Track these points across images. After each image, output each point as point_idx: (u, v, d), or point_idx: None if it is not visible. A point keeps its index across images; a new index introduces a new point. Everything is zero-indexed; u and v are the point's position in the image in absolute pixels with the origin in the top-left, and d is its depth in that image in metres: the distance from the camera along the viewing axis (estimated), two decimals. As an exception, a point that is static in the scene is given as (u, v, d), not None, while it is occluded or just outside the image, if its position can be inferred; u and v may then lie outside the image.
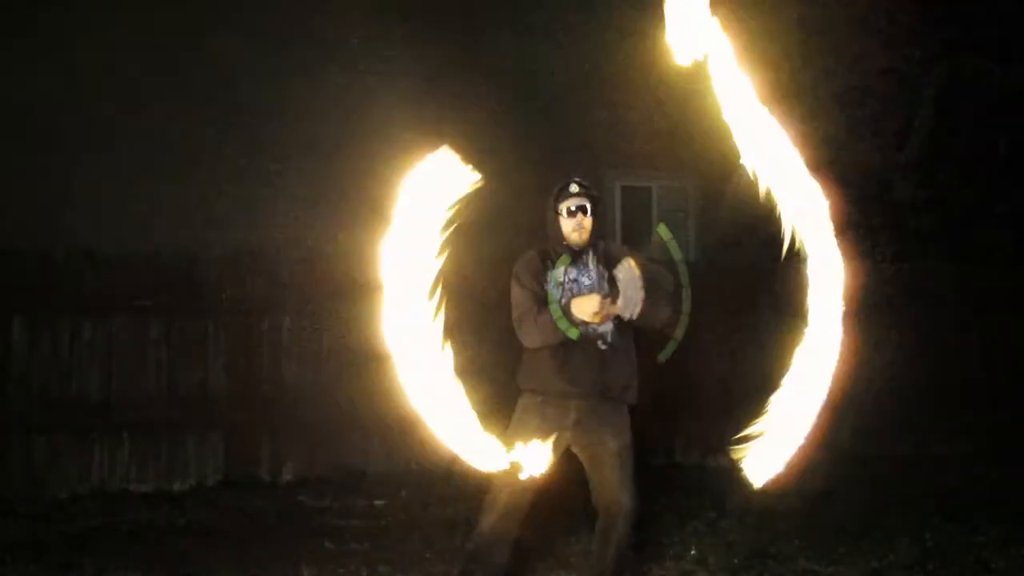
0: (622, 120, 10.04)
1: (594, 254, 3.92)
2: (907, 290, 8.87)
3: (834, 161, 11.02)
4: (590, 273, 3.88)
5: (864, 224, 10.86)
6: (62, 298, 6.84)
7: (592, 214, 3.91)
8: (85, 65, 8.52)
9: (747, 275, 8.57)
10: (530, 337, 3.83)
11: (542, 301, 3.81)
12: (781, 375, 8.45)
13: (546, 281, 3.84)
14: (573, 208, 3.89)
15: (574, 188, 3.92)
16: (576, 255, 3.90)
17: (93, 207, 8.36)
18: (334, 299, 7.37)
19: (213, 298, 7.15)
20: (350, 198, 9.00)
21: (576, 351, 3.81)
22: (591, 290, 3.82)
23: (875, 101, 10.85)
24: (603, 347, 3.82)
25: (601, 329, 3.83)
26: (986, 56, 10.22)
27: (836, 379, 3.53)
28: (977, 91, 10.63)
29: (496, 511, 3.81)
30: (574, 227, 3.88)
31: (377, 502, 6.65)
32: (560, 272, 3.85)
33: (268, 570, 5.08)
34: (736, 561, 5.20)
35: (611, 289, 3.79)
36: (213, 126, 8.72)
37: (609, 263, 3.87)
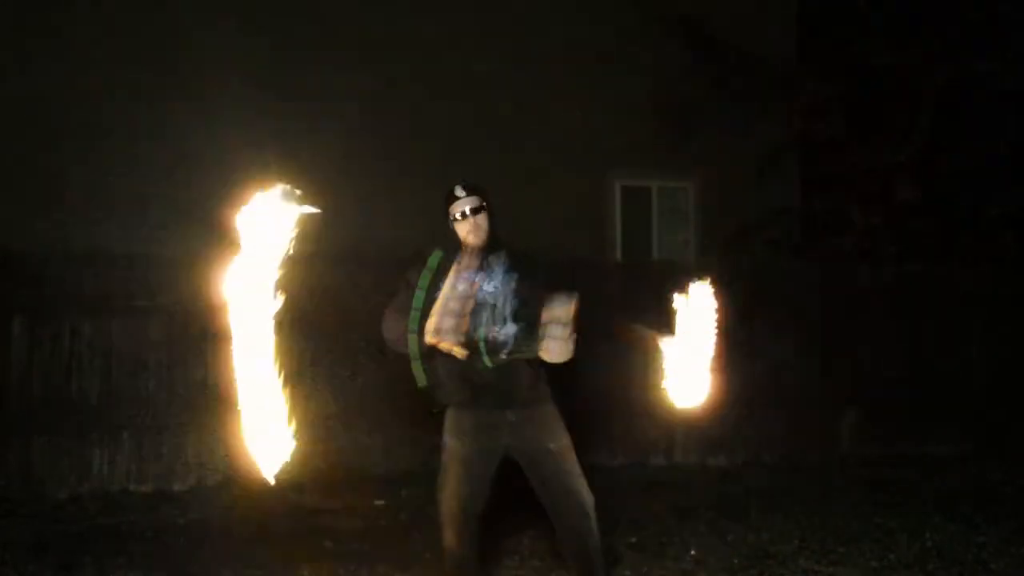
0: (622, 120, 10.04)
1: (494, 258, 3.70)
2: (906, 290, 8.88)
3: (834, 161, 11.08)
4: (488, 279, 3.65)
5: (864, 224, 10.90)
6: (62, 298, 6.83)
7: (486, 214, 3.76)
8: (85, 65, 8.53)
9: (749, 276, 8.57)
10: (386, 333, 3.69)
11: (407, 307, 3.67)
12: (780, 375, 8.46)
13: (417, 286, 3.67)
14: (466, 211, 3.75)
15: (460, 192, 3.79)
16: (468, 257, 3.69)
17: (93, 207, 8.37)
18: (334, 298, 7.38)
19: (212, 298, 7.13)
20: (349, 198, 9.01)
21: (468, 365, 3.62)
22: (493, 298, 3.60)
23: (875, 101, 10.87)
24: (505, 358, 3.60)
25: (501, 336, 3.59)
26: (986, 56, 10.23)
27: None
28: (977, 91, 10.63)
29: (454, 519, 3.75)
30: (469, 229, 3.74)
31: (377, 502, 6.65)
32: (427, 280, 3.67)
33: (268, 570, 5.08)
34: (736, 561, 5.20)
35: (512, 299, 3.59)
36: (214, 126, 8.71)
37: (515, 268, 3.69)
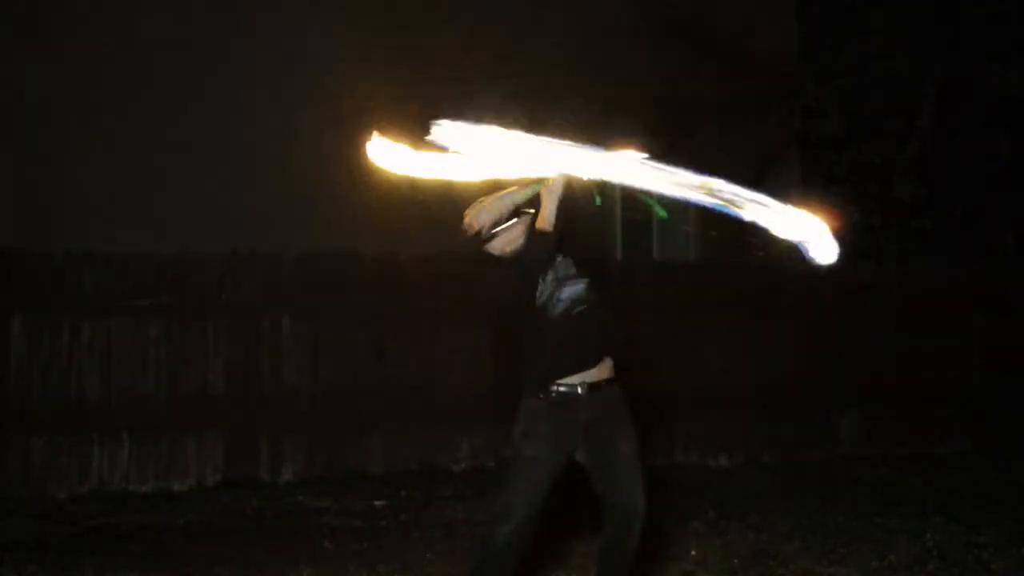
0: (622, 120, 10.03)
1: None
2: (906, 289, 8.89)
3: (834, 161, 11.09)
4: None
5: (864, 224, 10.91)
6: (62, 298, 6.83)
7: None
8: (85, 65, 8.52)
9: (747, 275, 8.58)
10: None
11: None
12: (780, 375, 8.46)
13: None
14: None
15: None
16: None
17: (93, 207, 8.36)
18: (334, 298, 7.39)
19: (213, 298, 7.15)
20: (348, 198, 9.01)
21: (566, 324, 3.70)
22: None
23: (875, 101, 10.88)
24: (580, 309, 3.72)
25: (570, 292, 3.73)
26: (986, 56, 10.23)
27: None
28: (977, 91, 10.65)
29: (513, 521, 3.69)
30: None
31: (377, 502, 6.64)
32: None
33: (268, 570, 5.08)
34: (736, 561, 5.20)
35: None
36: (213, 126, 8.72)
37: None
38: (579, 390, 3.70)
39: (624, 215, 10.65)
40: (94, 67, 8.56)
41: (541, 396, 3.71)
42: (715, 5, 10.17)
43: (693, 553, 5.34)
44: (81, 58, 8.53)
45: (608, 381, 3.78)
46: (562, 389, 3.70)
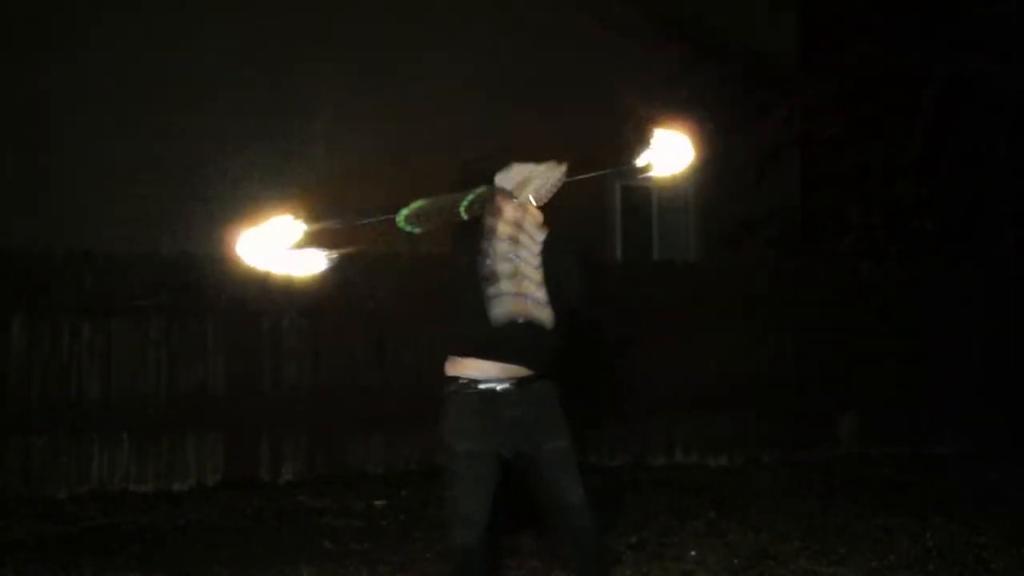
0: (622, 119, 10.02)
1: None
2: (906, 289, 8.89)
3: (834, 161, 11.08)
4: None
5: (864, 224, 10.91)
6: (62, 298, 6.83)
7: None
8: (86, 65, 8.52)
9: (746, 275, 8.59)
10: None
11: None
12: (780, 375, 8.49)
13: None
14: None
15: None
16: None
17: (93, 207, 8.36)
18: (334, 298, 7.39)
19: (213, 298, 7.14)
20: (349, 197, 9.01)
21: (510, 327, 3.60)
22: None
23: (875, 101, 10.87)
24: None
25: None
26: (986, 56, 10.23)
27: None
28: (977, 91, 10.64)
29: (465, 522, 3.58)
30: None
31: (377, 502, 6.65)
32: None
33: (268, 570, 5.08)
34: (736, 561, 5.20)
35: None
36: (213, 126, 8.72)
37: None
38: (507, 384, 3.66)
39: (624, 215, 10.66)
40: (95, 67, 8.56)
41: (464, 390, 3.71)
42: (716, 4, 10.17)
43: (693, 553, 5.34)
44: (82, 58, 8.53)
45: (538, 377, 3.70)
46: (489, 384, 3.68)
